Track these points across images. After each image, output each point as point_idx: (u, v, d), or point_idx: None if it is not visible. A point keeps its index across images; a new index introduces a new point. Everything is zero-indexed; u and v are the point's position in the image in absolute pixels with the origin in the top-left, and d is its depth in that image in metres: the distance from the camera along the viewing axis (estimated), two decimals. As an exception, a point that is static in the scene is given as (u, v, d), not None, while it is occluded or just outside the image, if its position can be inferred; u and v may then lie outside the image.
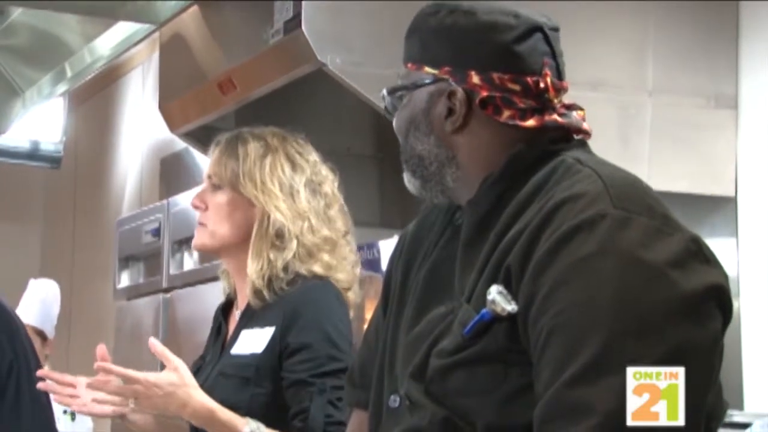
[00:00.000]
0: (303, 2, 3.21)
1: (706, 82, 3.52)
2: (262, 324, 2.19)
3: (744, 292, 3.45)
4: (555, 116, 1.50)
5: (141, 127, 5.88)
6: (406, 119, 1.56)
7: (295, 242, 2.20)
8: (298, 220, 2.21)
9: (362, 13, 3.26)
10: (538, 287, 1.36)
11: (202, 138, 4.12)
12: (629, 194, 1.40)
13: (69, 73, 5.02)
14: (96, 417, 2.12)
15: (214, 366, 2.25)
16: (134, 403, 2.07)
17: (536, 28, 1.50)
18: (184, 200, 4.60)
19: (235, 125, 3.93)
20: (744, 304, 3.44)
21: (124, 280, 5.12)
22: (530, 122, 1.49)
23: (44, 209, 7.30)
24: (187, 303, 4.52)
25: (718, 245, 3.40)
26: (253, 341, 2.19)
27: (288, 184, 2.23)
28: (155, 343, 2.07)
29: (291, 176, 2.24)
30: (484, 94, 1.49)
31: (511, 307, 1.39)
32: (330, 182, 2.29)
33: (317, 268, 2.20)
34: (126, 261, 5.11)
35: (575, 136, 1.53)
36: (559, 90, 1.51)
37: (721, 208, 3.52)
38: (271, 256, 2.19)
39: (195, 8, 3.98)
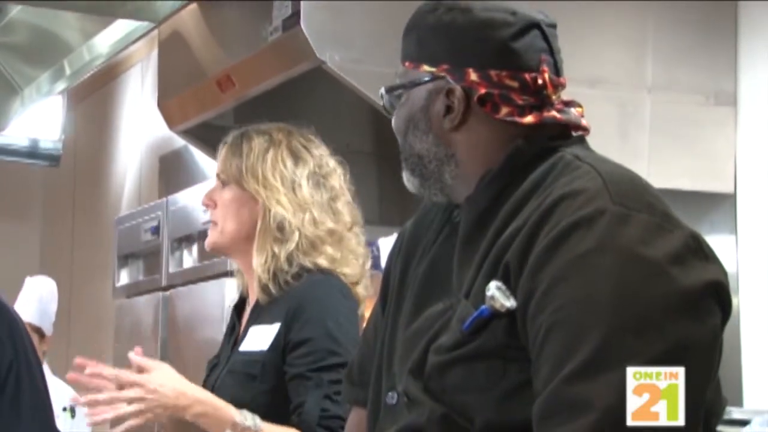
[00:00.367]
0: (302, 0, 3.21)
1: (705, 79, 3.53)
2: (269, 320, 2.20)
3: (743, 289, 3.46)
4: (553, 113, 1.50)
5: (140, 125, 5.88)
6: (404, 118, 1.56)
7: (297, 234, 2.20)
8: (300, 212, 2.22)
9: (361, 11, 3.26)
10: (536, 283, 1.36)
11: (201, 135, 4.12)
12: (628, 191, 1.40)
13: (68, 71, 5.02)
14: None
15: (225, 364, 2.26)
16: (129, 410, 2.07)
17: (533, 25, 1.50)
18: (183, 198, 4.60)
19: (234, 123, 3.94)
20: (743, 301, 3.44)
21: (124, 278, 5.12)
22: (528, 119, 1.49)
23: (43, 207, 7.30)
24: (186, 301, 4.52)
25: (717, 242, 3.40)
26: (260, 338, 2.20)
27: (290, 177, 2.24)
28: (134, 357, 2.10)
29: (293, 169, 2.25)
30: (482, 91, 1.49)
31: (509, 303, 1.39)
32: (337, 176, 2.29)
33: (322, 261, 2.21)
34: (125, 259, 5.10)
35: (574, 133, 1.53)
36: (557, 86, 1.51)
37: (720, 204, 3.52)
38: (275, 249, 2.20)
39: (194, 6, 3.97)
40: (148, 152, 5.76)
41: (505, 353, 1.39)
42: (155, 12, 4.18)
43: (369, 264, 2.30)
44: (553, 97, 1.51)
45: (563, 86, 1.52)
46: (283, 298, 2.19)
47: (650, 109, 3.46)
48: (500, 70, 1.49)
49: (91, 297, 6.26)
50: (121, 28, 4.51)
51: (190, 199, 4.55)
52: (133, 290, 5.01)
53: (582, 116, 1.54)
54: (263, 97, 3.59)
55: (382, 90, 1.58)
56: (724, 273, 1.40)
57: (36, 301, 4.67)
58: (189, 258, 4.61)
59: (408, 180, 1.57)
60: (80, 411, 4.77)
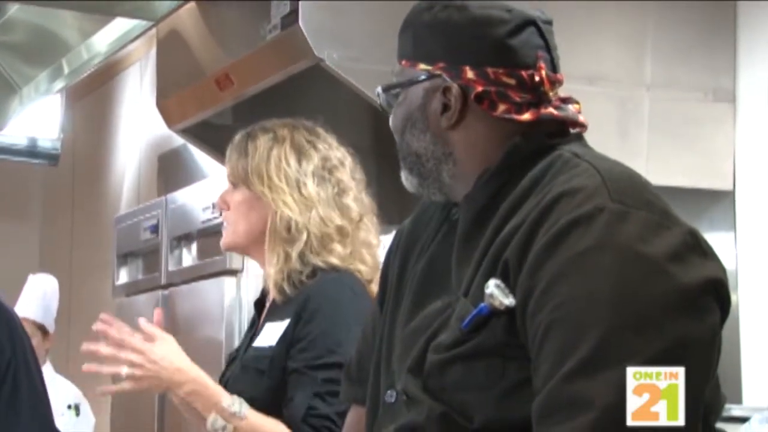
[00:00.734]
0: (300, -2, 3.21)
1: (704, 77, 3.53)
2: (282, 317, 2.22)
3: (742, 286, 3.46)
4: (551, 109, 1.50)
5: (138, 124, 5.88)
6: (402, 117, 1.55)
7: (305, 234, 2.21)
8: (306, 211, 2.23)
9: (360, 9, 3.26)
10: (536, 281, 1.36)
11: (200, 134, 4.12)
12: (627, 188, 1.40)
13: (66, 70, 5.01)
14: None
15: (240, 358, 2.29)
16: (127, 372, 2.10)
17: (529, 22, 1.50)
18: (182, 196, 4.60)
19: (232, 121, 3.94)
20: (742, 298, 3.44)
21: (123, 276, 5.12)
22: (526, 116, 1.49)
23: (42, 206, 7.29)
24: (186, 299, 4.52)
25: (716, 239, 3.40)
26: (271, 334, 2.22)
27: (294, 176, 2.25)
28: (144, 325, 2.15)
29: (297, 167, 2.25)
30: (479, 88, 1.49)
31: (508, 301, 1.39)
32: (345, 168, 2.29)
33: (334, 260, 2.22)
34: (124, 258, 5.11)
35: (572, 130, 1.53)
36: (554, 83, 1.51)
37: (719, 202, 3.52)
38: (287, 249, 2.22)
39: (192, 5, 3.97)
40: (147, 151, 5.75)
41: (504, 351, 1.39)
42: (153, 11, 4.18)
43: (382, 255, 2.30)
44: (551, 94, 1.51)
45: (560, 83, 1.52)
46: (297, 296, 2.20)
47: (649, 106, 3.46)
48: (497, 67, 1.49)
49: (90, 296, 6.26)
50: (120, 26, 4.51)
51: (189, 198, 4.55)
52: (133, 289, 5.01)
53: (579, 113, 1.54)
54: (262, 95, 3.59)
55: (379, 89, 1.58)
56: (723, 270, 1.39)
57: (39, 298, 4.68)
58: (188, 256, 4.61)
59: (406, 179, 1.57)
60: (84, 409, 4.78)
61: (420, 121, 1.53)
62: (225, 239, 2.34)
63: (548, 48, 1.52)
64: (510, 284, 1.39)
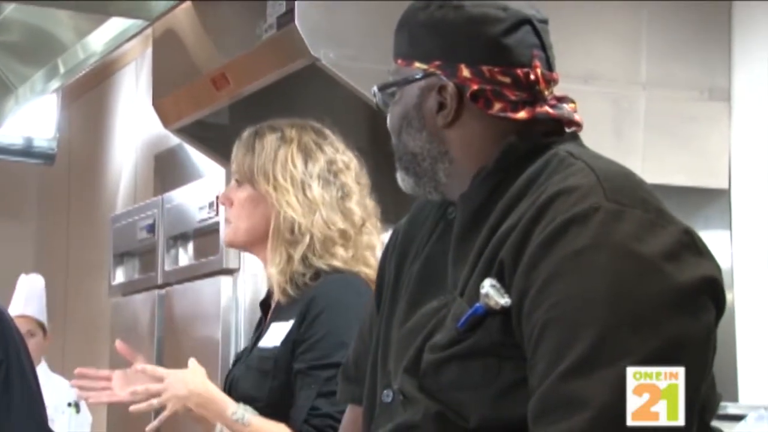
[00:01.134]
0: (296, -3, 3.21)
1: (699, 75, 3.53)
2: (286, 317, 2.22)
3: (738, 284, 3.46)
4: (546, 108, 1.50)
5: (135, 123, 5.87)
6: (398, 116, 1.56)
7: (308, 237, 2.22)
8: (310, 213, 2.23)
9: (355, 8, 3.26)
10: (531, 281, 1.36)
11: (196, 133, 4.12)
12: (622, 187, 1.40)
13: (62, 70, 5.01)
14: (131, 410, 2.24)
15: (246, 359, 2.30)
16: (158, 400, 2.19)
17: (525, 21, 1.50)
18: (178, 196, 4.60)
19: (228, 121, 3.94)
20: (738, 296, 3.45)
21: (119, 276, 5.12)
22: (521, 114, 1.49)
23: (38, 206, 7.29)
24: (182, 299, 4.52)
25: (711, 238, 3.40)
26: (276, 334, 2.23)
27: (299, 177, 2.25)
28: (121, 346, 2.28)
29: (303, 169, 2.26)
30: (475, 87, 1.49)
31: (504, 300, 1.39)
32: (351, 173, 2.29)
33: (336, 263, 2.22)
34: (121, 257, 5.10)
35: (567, 129, 1.53)
36: (550, 81, 1.51)
37: (714, 200, 3.52)
38: (289, 251, 2.22)
39: (188, 4, 3.97)
40: (143, 150, 5.75)
41: (500, 351, 1.39)
42: (149, 10, 4.18)
43: None
44: (546, 93, 1.51)
45: (555, 81, 1.52)
46: (301, 297, 2.21)
47: (645, 105, 3.47)
48: (492, 65, 1.49)
49: (86, 295, 6.26)
50: (115, 26, 4.51)
51: (185, 197, 4.55)
52: (129, 288, 5.00)
53: (575, 112, 1.54)
54: (258, 94, 3.59)
55: (375, 88, 1.58)
56: (719, 269, 1.40)
57: (37, 297, 4.71)
58: (185, 256, 4.61)
59: (402, 180, 1.57)
60: (84, 406, 4.79)
61: (416, 120, 1.53)
62: (227, 236, 2.34)
63: (544, 47, 1.52)
64: (505, 284, 1.39)
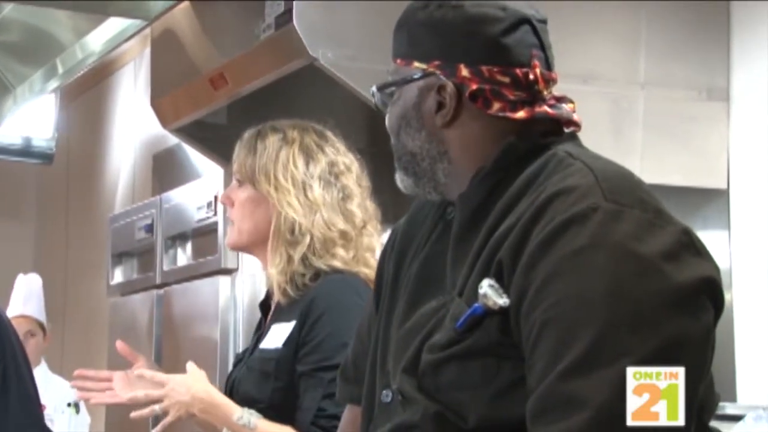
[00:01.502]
0: (294, -3, 3.21)
1: (698, 75, 3.53)
2: (287, 318, 2.22)
3: (736, 284, 3.46)
4: (545, 108, 1.50)
5: (133, 123, 5.87)
6: (397, 116, 1.55)
7: (308, 237, 2.22)
8: (310, 214, 2.23)
9: (354, 7, 3.26)
10: (530, 281, 1.36)
11: (194, 133, 4.12)
12: (621, 187, 1.40)
13: (60, 70, 5.00)
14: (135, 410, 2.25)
15: (246, 360, 2.30)
16: (160, 406, 2.18)
17: (524, 21, 1.50)
18: (176, 196, 4.60)
19: (227, 120, 3.94)
20: (737, 296, 3.45)
21: (118, 276, 5.12)
22: (520, 114, 1.49)
23: (37, 206, 7.29)
24: (181, 299, 4.52)
25: (710, 238, 3.40)
26: (277, 336, 2.23)
27: (301, 178, 2.25)
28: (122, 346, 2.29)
29: (304, 170, 2.26)
30: (474, 87, 1.49)
31: (503, 300, 1.39)
32: (352, 175, 2.30)
33: (336, 263, 2.22)
34: (119, 257, 5.10)
35: (566, 129, 1.53)
36: (549, 81, 1.51)
37: (713, 200, 3.52)
38: (289, 251, 2.22)
39: (186, 4, 3.97)
40: (141, 150, 5.75)
41: (498, 351, 1.39)
42: (148, 10, 4.17)
43: None
44: (545, 93, 1.51)
45: (554, 81, 1.52)
46: (302, 298, 2.21)
47: (643, 104, 3.47)
48: (491, 65, 1.49)
49: (85, 295, 6.26)
50: (114, 26, 4.50)
51: (183, 197, 4.55)
52: (128, 288, 5.00)
53: (574, 112, 1.54)
54: (256, 94, 3.59)
55: (374, 88, 1.58)
56: (717, 269, 1.40)
57: (36, 297, 4.71)
58: (183, 256, 4.61)
59: (401, 180, 1.57)
60: (84, 406, 4.80)
61: (415, 120, 1.53)
62: (230, 238, 2.34)
63: (542, 46, 1.52)
64: (504, 284, 1.39)
